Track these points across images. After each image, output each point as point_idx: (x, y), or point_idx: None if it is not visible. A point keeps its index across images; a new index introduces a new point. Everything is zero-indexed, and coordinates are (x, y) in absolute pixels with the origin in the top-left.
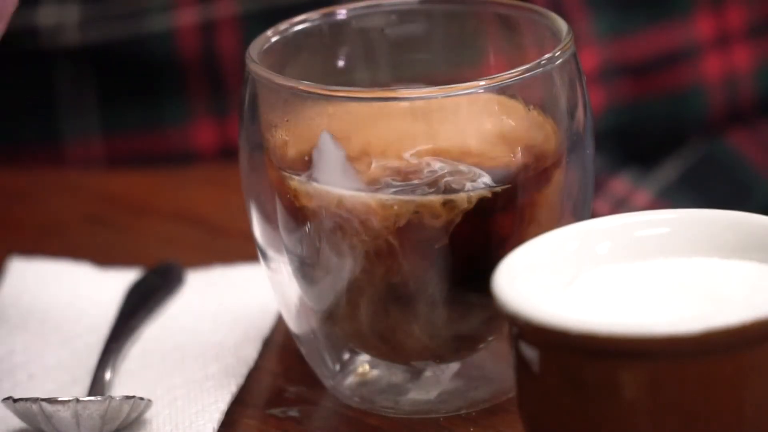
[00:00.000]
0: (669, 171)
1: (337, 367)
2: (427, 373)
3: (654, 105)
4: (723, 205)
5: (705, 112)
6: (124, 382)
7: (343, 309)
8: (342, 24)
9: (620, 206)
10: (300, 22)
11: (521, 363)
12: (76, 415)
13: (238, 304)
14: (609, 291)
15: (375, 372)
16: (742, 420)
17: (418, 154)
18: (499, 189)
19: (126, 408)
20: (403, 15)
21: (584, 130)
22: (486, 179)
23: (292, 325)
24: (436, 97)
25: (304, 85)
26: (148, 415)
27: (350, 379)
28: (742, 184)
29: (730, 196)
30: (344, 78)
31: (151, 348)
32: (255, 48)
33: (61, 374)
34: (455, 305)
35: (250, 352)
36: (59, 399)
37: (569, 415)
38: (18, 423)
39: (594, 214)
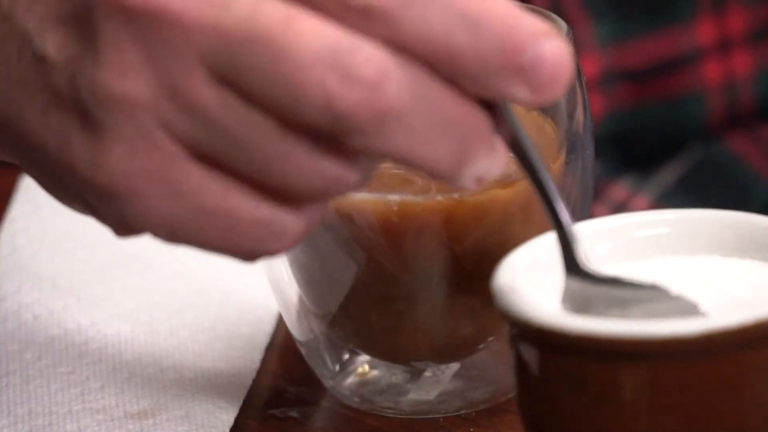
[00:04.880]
0: (668, 175)
1: (337, 367)
2: (427, 373)
3: (654, 111)
4: (722, 209)
5: (705, 118)
6: (135, 337)
7: (343, 310)
8: None
9: (619, 211)
10: None
11: (521, 363)
12: None
13: (238, 304)
14: None
15: (375, 372)
16: (742, 421)
17: None
18: (500, 189)
19: None
20: None
21: (584, 131)
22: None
23: (292, 326)
24: None
25: None
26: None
27: (350, 380)
28: (742, 188)
29: (729, 200)
30: None
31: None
32: None
33: None
34: (456, 305)
35: (253, 357)
36: None
37: (569, 415)
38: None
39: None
